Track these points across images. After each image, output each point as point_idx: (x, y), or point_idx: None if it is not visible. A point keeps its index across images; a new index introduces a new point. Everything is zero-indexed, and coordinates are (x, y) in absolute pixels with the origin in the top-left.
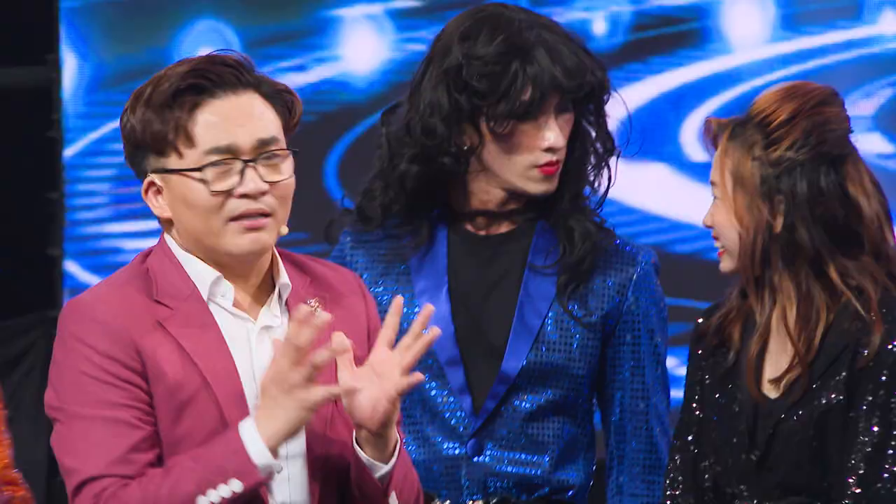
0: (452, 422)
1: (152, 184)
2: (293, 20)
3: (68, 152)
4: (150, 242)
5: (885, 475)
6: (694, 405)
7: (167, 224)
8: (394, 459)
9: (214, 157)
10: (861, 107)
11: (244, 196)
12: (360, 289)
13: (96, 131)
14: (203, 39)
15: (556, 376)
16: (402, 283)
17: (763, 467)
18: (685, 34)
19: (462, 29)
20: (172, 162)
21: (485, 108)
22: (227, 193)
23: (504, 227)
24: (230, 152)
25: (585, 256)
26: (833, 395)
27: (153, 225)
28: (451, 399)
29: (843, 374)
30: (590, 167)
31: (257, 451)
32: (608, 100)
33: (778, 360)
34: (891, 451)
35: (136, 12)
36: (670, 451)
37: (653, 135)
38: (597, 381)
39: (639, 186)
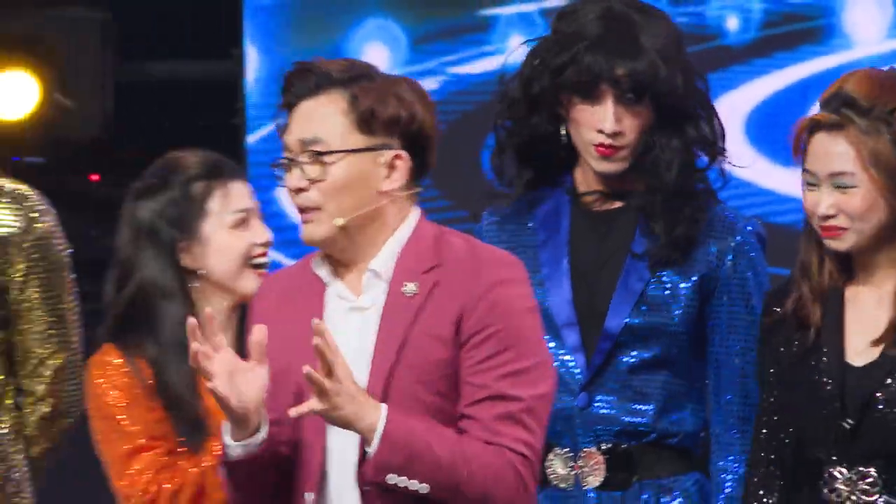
0: (567, 377)
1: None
2: (454, 18)
3: (251, 139)
4: None
5: None
6: (774, 391)
7: None
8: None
9: (281, 157)
10: None
11: (292, 191)
12: (487, 289)
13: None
14: (372, 36)
15: (656, 334)
16: (528, 256)
17: (856, 435)
18: (810, 31)
19: (566, 7)
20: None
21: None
22: (288, 188)
23: (616, 204)
24: (287, 150)
25: (679, 240)
26: None
27: None
28: (567, 357)
29: None
30: (677, 163)
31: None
32: (683, 100)
33: (864, 331)
34: None
35: (313, 9)
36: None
37: (776, 126)
38: (699, 340)
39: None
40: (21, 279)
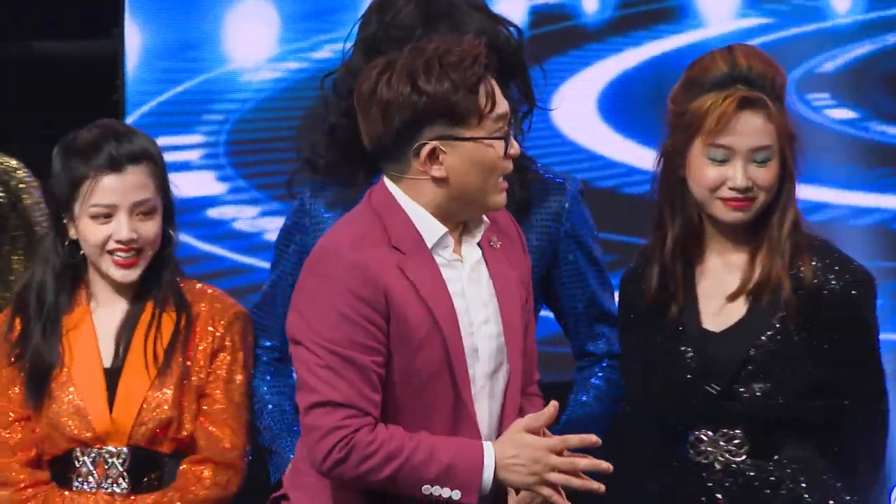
0: None
1: (434, 150)
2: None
3: (130, 118)
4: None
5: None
6: (636, 359)
7: (439, 182)
8: None
9: (499, 125)
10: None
11: (511, 157)
12: (510, 219)
13: (155, 98)
14: (249, 15)
15: None
16: None
17: (721, 399)
18: (664, 11)
19: (379, 1)
20: (468, 131)
21: None
22: (504, 156)
23: None
24: (505, 120)
25: (522, 203)
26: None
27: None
28: None
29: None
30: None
31: (487, 481)
32: (515, 63)
33: (718, 299)
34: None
35: None
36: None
37: (629, 103)
38: (546, 296)
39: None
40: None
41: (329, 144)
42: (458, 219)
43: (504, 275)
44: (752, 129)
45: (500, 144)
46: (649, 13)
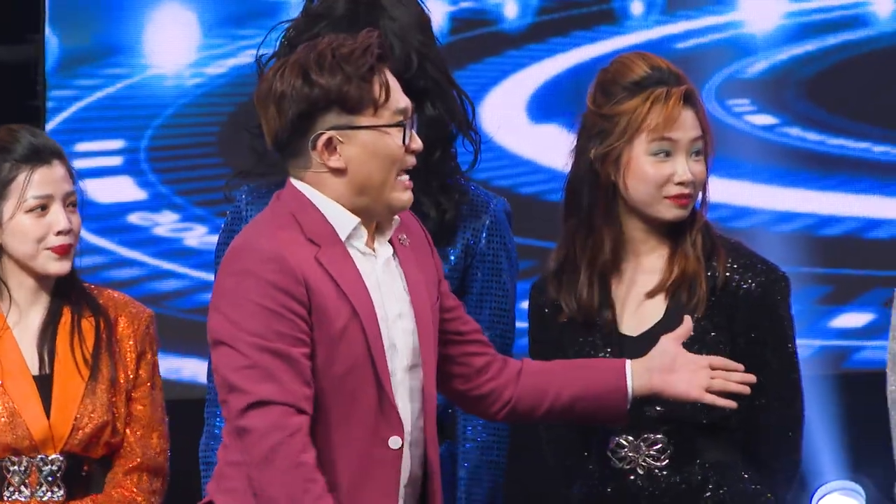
0: None
1: (330, 139)
2: (245, 3)
3: (50, 124)
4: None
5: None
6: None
7: (335, 173)
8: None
9: (400, 117)
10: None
11: (412, 152)
12: (413, 217)
13: (76, 104)
14: (169, 20)
15: None
16: None
17: (641, 403)
18: (585, 16)
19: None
20: (364, 120)
21: None
22: (405, 148)
23: None
24: (405, 113)
25: (447, 225)
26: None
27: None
28: None
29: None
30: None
31: None
32: (419, 79)
33: (635, 303)
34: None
35: None
36: None
37: (554, 104)
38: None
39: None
40: None
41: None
42: (367, 215)
43: (414, 273)
44: (691, 122)
45: (397, 134)
46: (574, 18)
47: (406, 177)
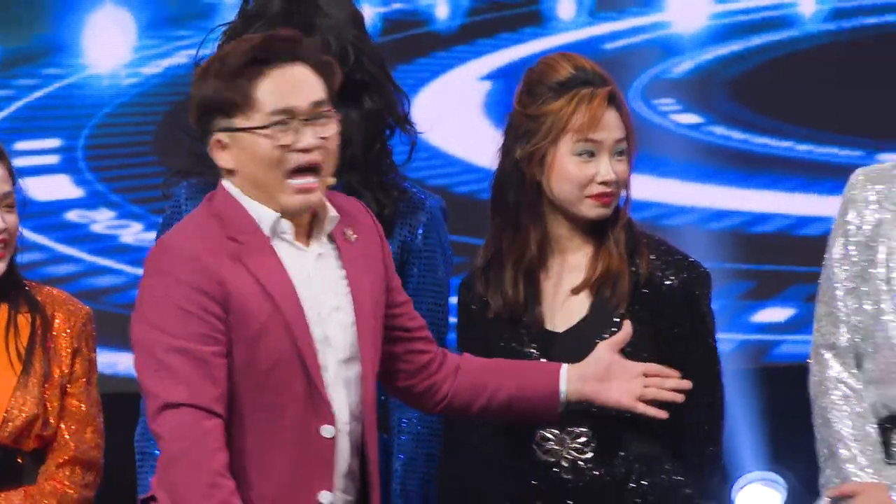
0: None
1: (219, 141)
2: (181, 5)
3: None
4: None
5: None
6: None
7: (228, 174)
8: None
9: (277, 118)
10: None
11: (302, 150)
12: (368, 213)
13: (14, 104)
14: (104, 20)
15: None
16: None
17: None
18: (513, 18)
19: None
20: (239, 122)
21: None
22: (287, 148)
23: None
24: (289, 113)
25: (386, 221)
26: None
27: None
28: None
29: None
30: (359, 135)
31: None
32: (356, 74)
33: (560, 300)
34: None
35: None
36: None
37: (486, 105)
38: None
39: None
40: None
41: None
42: (280, 210)
43: (357, 268)
44: (614, 123)
45: (275, 135)
46: (507, 19)
47: (304, 180)
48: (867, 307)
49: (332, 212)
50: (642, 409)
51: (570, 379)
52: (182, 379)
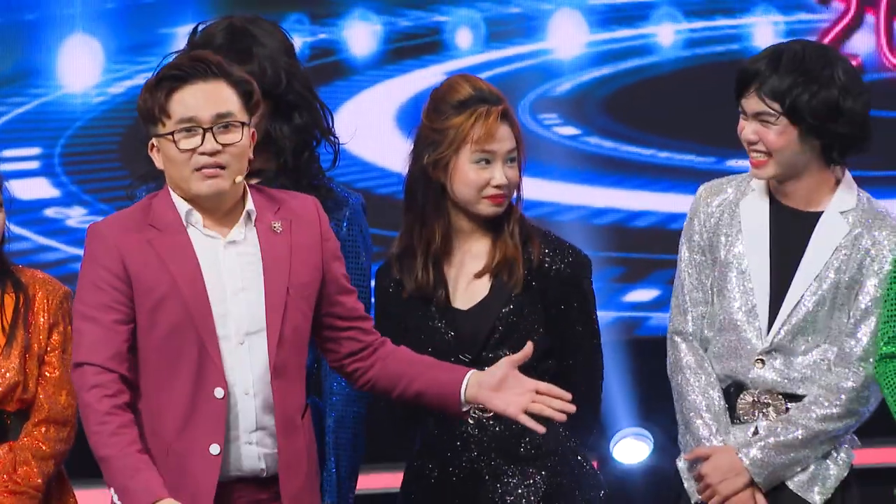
0: None
1: (153, 145)
2: (144, 35)
3: None
4: None
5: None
6: (396, 339)
7: (163, 173)
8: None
9: (183, 125)
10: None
11: (203, 153)
12: (316, 211)
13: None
14: (75, 49)
15: None
16: None
17: (473, 366)
18: (420, 46)
19: (201, 30)
20: (159, 129)
21: None
22: (192, 151)
23: (254, 181)
24: (193, 122)
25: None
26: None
27: None
28: None
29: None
30: (290, 145)
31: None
32: (287, 94)
33: (464, 282)
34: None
35: (20, 29)
36: None
37: (398, 119)
38: None
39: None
40: None
41: None
42: (198, 204)
43: (276, 255)
44: (506, 135)
45: (181, 140)
46: (412, 48)
47: (208, 169)
48: (712, 297)
49: (249, 205)
50: (524, 419)
51: (470, 384)
52: (85, 342)
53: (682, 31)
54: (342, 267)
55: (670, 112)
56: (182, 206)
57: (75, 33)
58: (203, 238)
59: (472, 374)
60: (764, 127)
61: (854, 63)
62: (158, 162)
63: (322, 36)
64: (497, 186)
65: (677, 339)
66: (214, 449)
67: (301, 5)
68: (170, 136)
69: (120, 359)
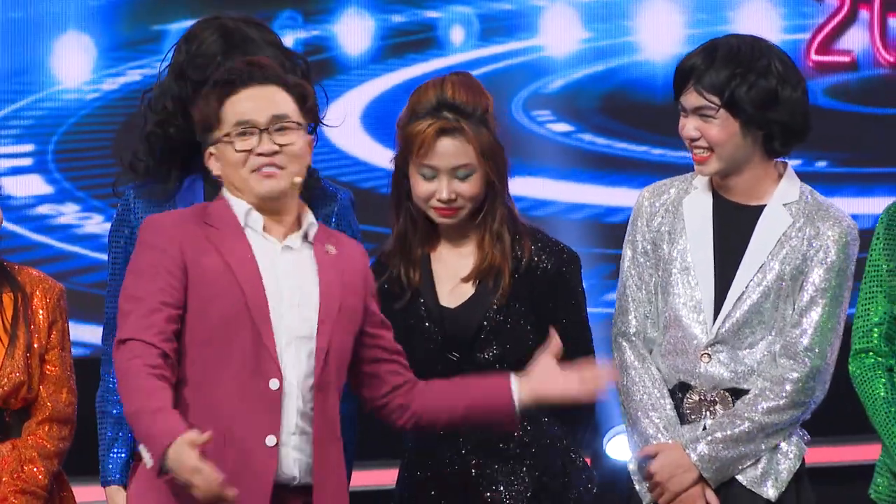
0: None
1: (210, 154)
2: (134, 32)
3: None
4: None
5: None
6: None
7: (219, 179)
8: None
9: (239, 128)
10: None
11: (261, 154)
12: (361, 253)
13: None
14: (69, 47)
15: None
16: None
17: (461, 364)
18: (413, 42)
19: (188, 32)
20: (215, 134)
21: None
22: (249, 152)
23: None
24: (249, 124)
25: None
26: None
27: None
28: None
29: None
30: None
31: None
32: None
33: (451, 282)
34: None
35: (15, 25)
36: None
37: (385, 117)
38: None
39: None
40: None
41: (147, 149)
42: (257, 206)
43: (329, 272)
44: (451, 151)
45: (237, 142)
46: (405, 43)
47: (266, 169)
48: (656, 296)
49: (311, 218)
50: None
51: (521, 388)
52: (132, 321)
53: (676, 27)
54: (378, 308)
55: (664, 109)
56: (241, 207)
57: (68, 30)
58: (260, 239)
59: (516, 380)
60: (705, 122)
61: (847, 59)
62: (216, 170)
63: (315, 33)
64: (440, 200)
65: (621, 340)
66: (271, 440)
67: (294, 2)
68: (226, 138)
69: (164, 337)
